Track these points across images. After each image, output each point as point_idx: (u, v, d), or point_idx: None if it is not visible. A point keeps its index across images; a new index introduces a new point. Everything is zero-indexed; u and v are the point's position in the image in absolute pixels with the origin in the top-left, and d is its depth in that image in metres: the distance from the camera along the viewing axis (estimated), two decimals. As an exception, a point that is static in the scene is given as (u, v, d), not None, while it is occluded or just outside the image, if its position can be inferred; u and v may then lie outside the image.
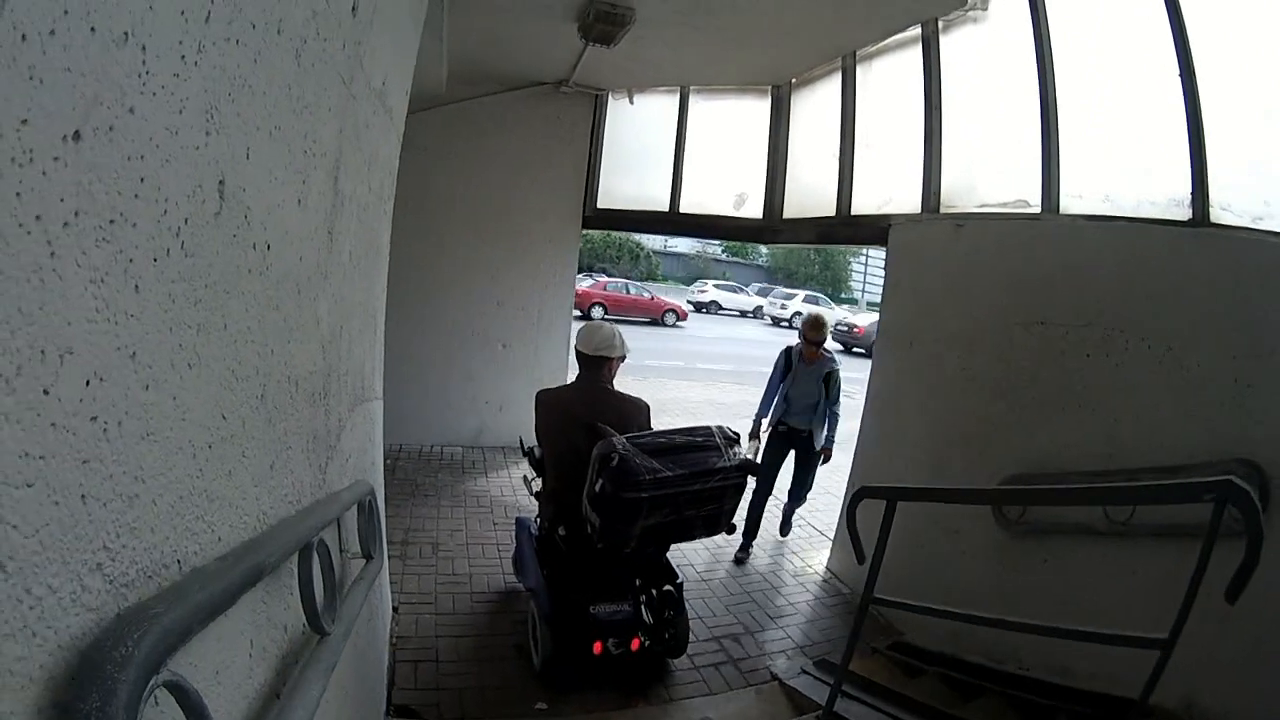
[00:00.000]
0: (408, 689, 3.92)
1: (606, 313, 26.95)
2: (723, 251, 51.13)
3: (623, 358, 4.27)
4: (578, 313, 27.10)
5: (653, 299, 29.38)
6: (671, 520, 3.77)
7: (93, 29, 0.69)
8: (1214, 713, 3.21)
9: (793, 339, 6.42)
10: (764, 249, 45.32)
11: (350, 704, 2.33)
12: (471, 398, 8.32)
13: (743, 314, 37.09)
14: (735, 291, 38.72)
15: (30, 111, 0.62)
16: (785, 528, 6.65)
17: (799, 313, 33.41)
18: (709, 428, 4.00)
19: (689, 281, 42.80)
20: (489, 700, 3.90)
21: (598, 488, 3.61)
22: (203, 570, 0.98)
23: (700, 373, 17.62)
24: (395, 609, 4.56)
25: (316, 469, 1.79)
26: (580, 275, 33.60)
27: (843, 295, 48.87)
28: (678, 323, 29.03)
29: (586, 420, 4.00)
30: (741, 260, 52.28)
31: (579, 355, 4.22)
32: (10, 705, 0.63)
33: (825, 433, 6.12)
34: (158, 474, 0.88)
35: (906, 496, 3.55)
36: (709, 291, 37.94)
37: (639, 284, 32.42)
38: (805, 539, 6.83)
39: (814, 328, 5.98)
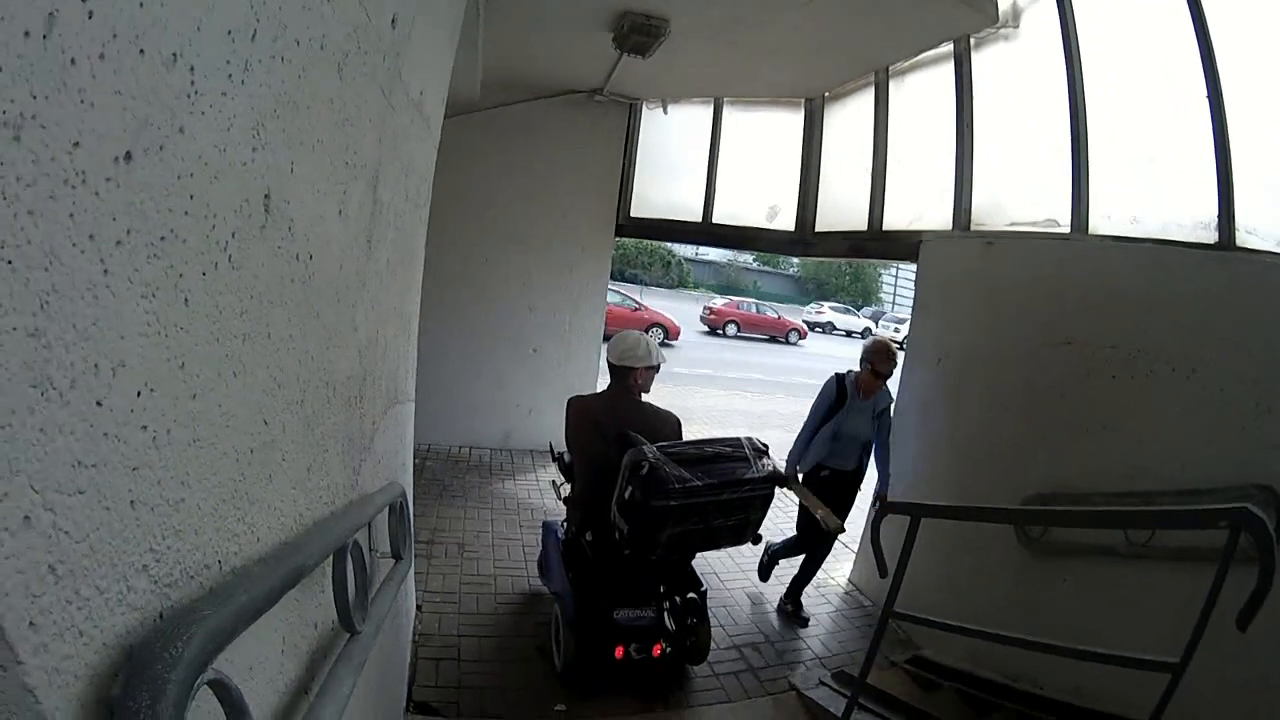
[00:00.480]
0: (428, 686, 3.95)
1: (740, 329, 30.36)
2: (754, 261, 51.05)
3: (655, 367, 4.21)
4: (709, 328, 29.48)
5: (779, 319, 32.08)
6: (699, 529, 3.75)
7: (142, 51, 0.71)
8: None
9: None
10: (795, 260, 45.43)
11: (373, 699, 2.36)
12: (501, 401, 8.35)
13: (849, 334, 38.28)
14: (846, 313, 40.89)
15: (81, 134, 0.64)
16: (765, 572, 5.79)
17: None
18: (739, 439, 4.00)
19: (722, 290, 42.80)
20: (509, 700, 3.91)
21: (627, 495, 3.63)
22: (246, 572, 1.01)
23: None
24: (419, 607, 4.58)
25: (351, 471, 1.82)
26: (717, 296, 34.60)
27: (872, 304, 48.64)
28: (799, 341, 31.74)
29: (614, 429, 3.97)
30: (772, 270, 52.17)
31: (609, 364, 4.21)
32: (57, 701, 0.65)
33: (883, 470, 5.22)
34: (203, 479, 0.90)
35: (930, 513, 3.53)
36: (825, 313, 39.91)
37: (766, 303, 34.36)
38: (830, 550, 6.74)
39: (885, 357, 4.99)
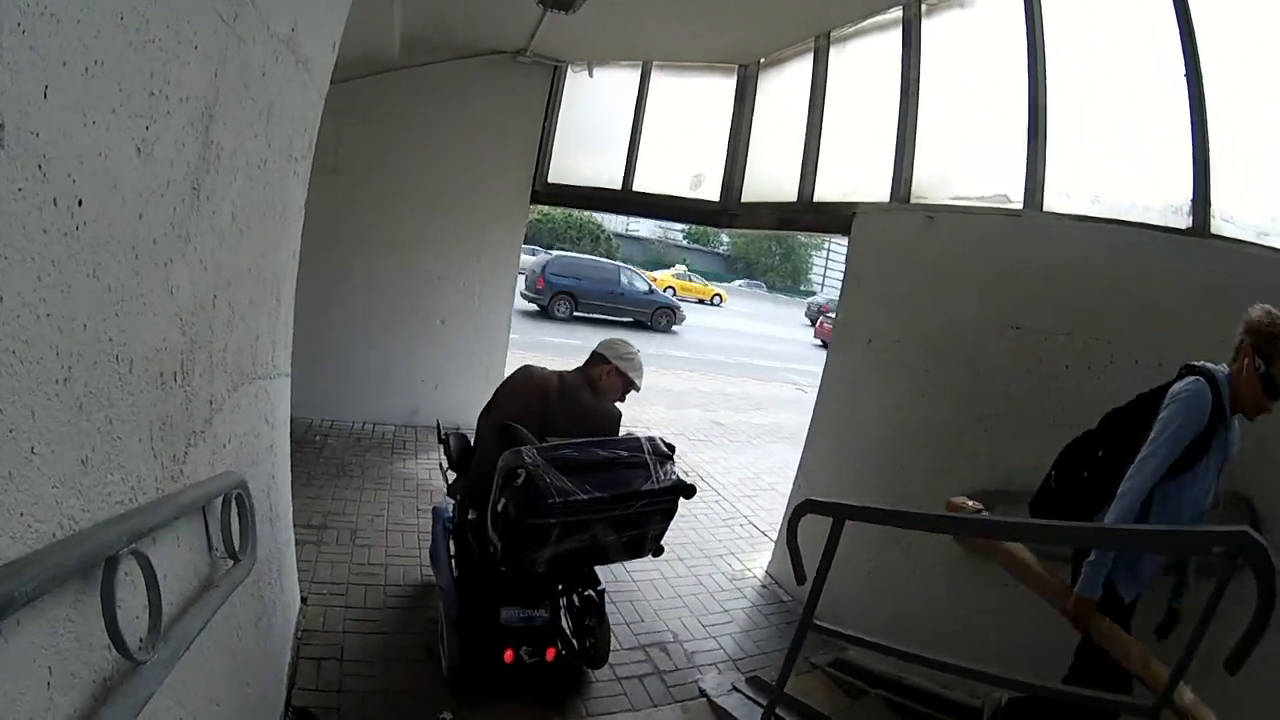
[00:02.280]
0: (309, 689, 3.74)
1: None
2: (684, 237, 51.51)
3: (628, 382, 4.10)
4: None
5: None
6: (586, 546, 3.53)
7: None
8: None
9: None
10: (725, 237, 45.96)
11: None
12: (408, 375, 8.21)
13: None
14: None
15: None
16: None
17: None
18: (638, 440, 3.73)
19: (651, 266, 43.06)
20: (393, 705, 3.73)
21: (500, 507, 3.33)
22: None
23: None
24: (304, 599, 4.39)
25: (167, 461, 1.63)
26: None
27: (802, 287, 49.30)
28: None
29: (538, 403, 3.84)
30: (702, 247, 52.61)
31: (595, 351, 4.18)
32: None
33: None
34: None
35: (858, 516, 3.39)
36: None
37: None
38: (746, 539, 6.75)
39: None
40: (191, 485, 1.76)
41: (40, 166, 0.98)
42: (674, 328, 25.38)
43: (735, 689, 4.27)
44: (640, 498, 3.49)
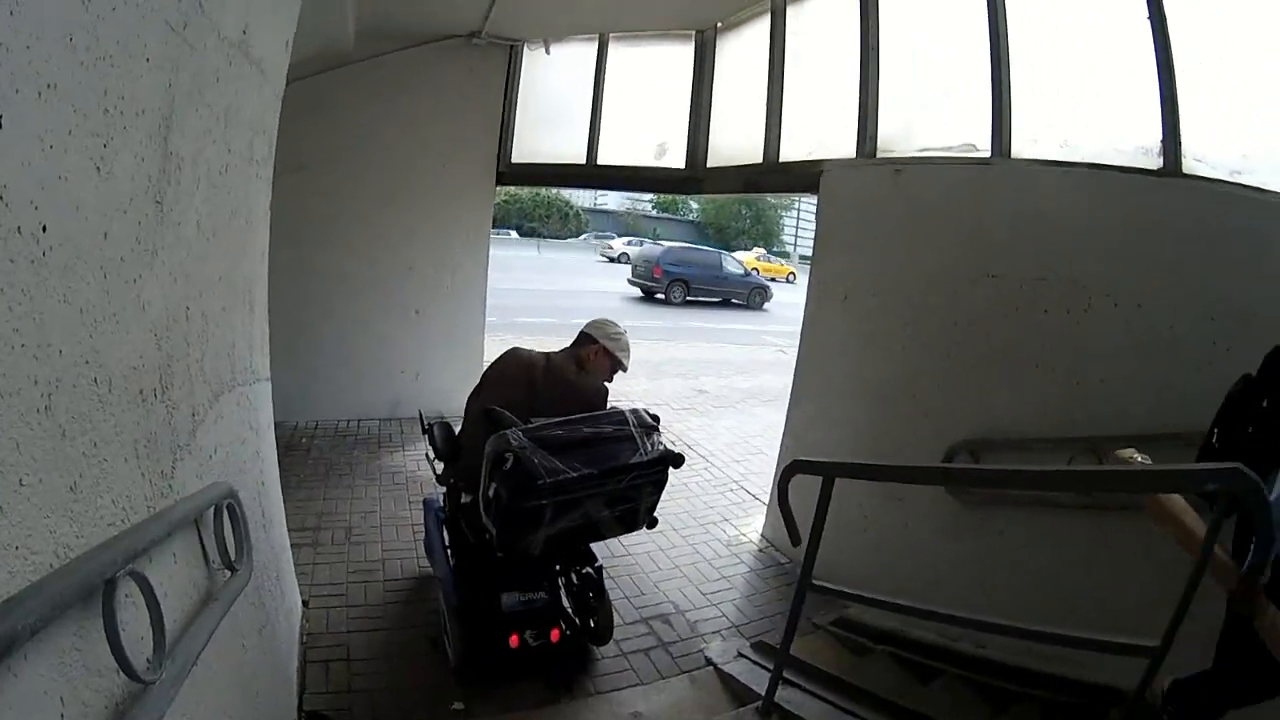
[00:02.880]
0: (319, 693, 3.77)
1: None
2: (653, 208, 51.42)
3: (615, 363, 4.16)
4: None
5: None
6: (580, 524, 3.54)
7: None
8: None
9: None
10: (694, 204, 45.96)
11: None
12: (387, 369, 8.20)
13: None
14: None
15: None
16: None
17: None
18: (622, 413, 3.71)
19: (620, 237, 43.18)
20: (402, 701, 3.75)
21: (491, 492, 3.33)
22: None
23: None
24: (305, 603, 4.39)
25: (156, 477, 1.62)
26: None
27: (775, 249, 49.25)
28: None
29: (525, 384, 3.87)
30: (672, 216, 52.51)
31: (582, 331, 4.22)
32: None
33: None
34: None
35: (847, 473, 3.42)
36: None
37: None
38: (738, 504, 6.80)
39: None
40: (181, 500, 1.75)
41: (1, 197, 0.97)
42: (765, 305, 27.52)
43: (741, 655, 4.31)
44: (629, 471, 3.48)
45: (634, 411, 3.75)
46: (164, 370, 1.70)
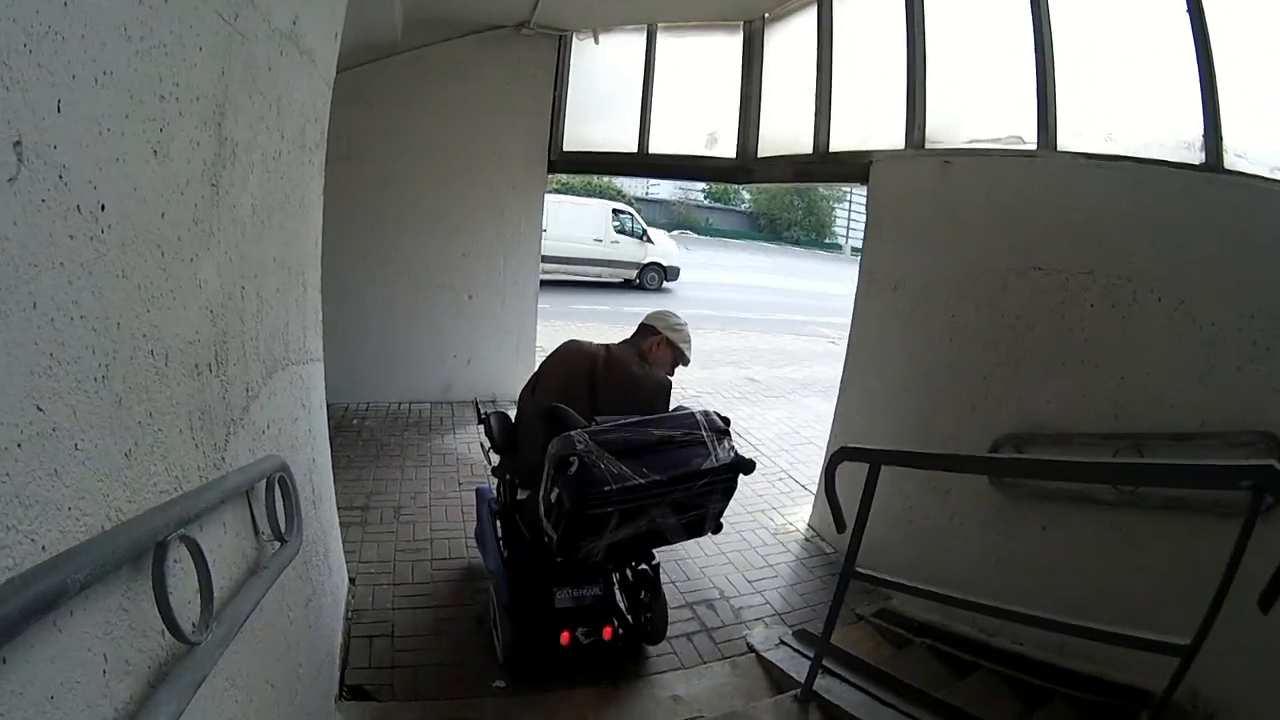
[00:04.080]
0: (361, 668, 3.86)
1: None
2: (705, 197, 51.10)
3: (679, 355, 4.02)
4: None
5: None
6: (645, 531, 3.35)
7: None
8: (1218, 704, 3.15)
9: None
10: (746, 195, 45.50)
11: (272, 704, 2.24)
12: (439, 352, 8.32)
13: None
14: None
15: None
16: None
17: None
18: (693, 416, 3.46)
19: (671, 228, 43.05)
20: (445, 679, 3.83)
21: (553, 497, 3.13)
22: None
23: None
24: (352, 580, 4.50)
25: (209, 450, 1.69)
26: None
27: (827, 240, 48.62)
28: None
29: (585, 375, 3.73)
30: (724, 206, 52.13)
31: (643, 323, 4.10)
32: None
33: None
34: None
35: (892, 460, 3.44)
36: None
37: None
38: (786, 493, 6.80)
39: None
40: (234, 471, 1.82)
41: (61, 176, 1.02)
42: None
43: (783, 642, 4.33)
44: (700, 477, 3.26)
45: (705, 414, 3.50)
46: (219, 346, 1.76)
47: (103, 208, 1.14)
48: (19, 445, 0.95)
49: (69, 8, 1.02)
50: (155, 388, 1.38)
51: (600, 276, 21.65)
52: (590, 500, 3.02)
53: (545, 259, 8.87)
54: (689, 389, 9.28)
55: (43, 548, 0.99)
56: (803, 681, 3.57)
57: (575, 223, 20.86)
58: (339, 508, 4.09)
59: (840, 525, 3.41)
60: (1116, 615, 2.81)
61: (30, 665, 0.96)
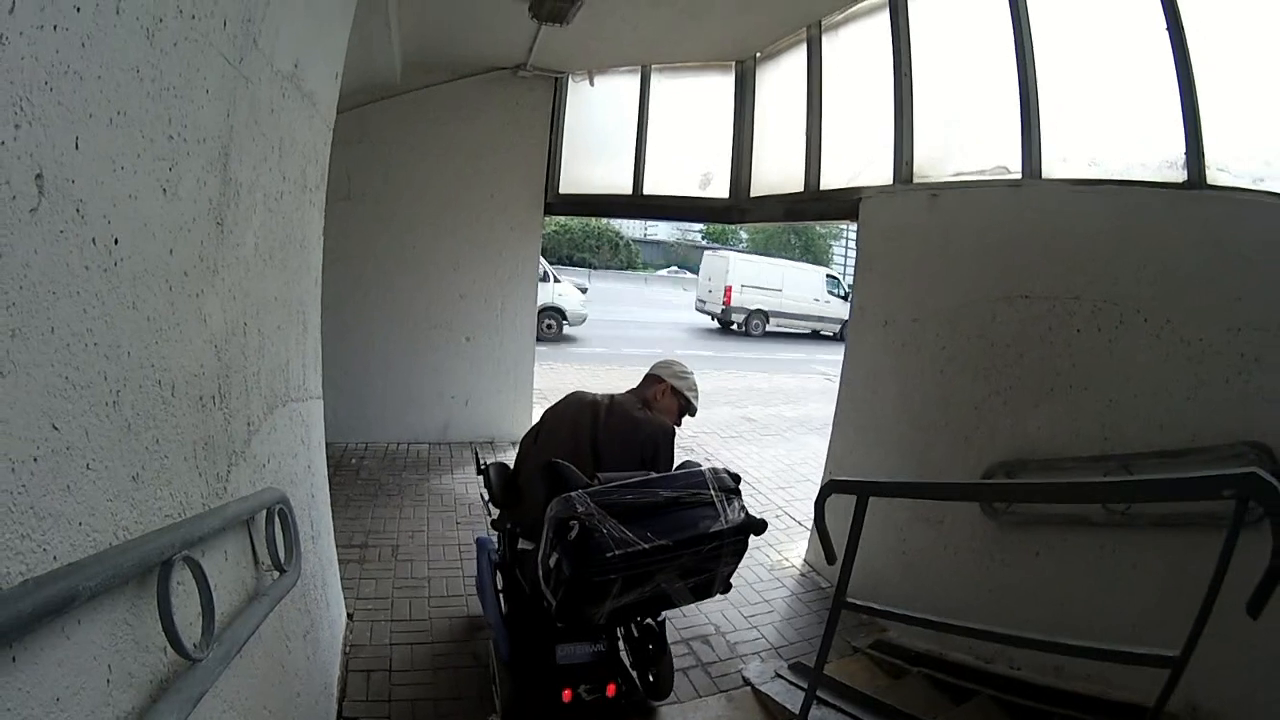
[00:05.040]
0: (359, 700, 3.88)
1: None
2: (703, 237, 51.46)
3: (685, 404, 3.97)
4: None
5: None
6: (651, 596, 3.16)
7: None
8: (1219, 717, 3.14)
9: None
10: (744, 234, 45.93)
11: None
12: (437, 393, 8.38)
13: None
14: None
15: None
16: None
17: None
18: (702, 474, 3.26)
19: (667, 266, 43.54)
20: (441, 712, 3.86)
21: (552, 563, 2.92)
22: None
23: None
24: (350, 616, 4.54)
25: (211, 479, 1.75)
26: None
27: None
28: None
29: (588, 423, 3.64)
30: (722, 245, 52.61)
31: (650, 372, 4.06)
32: None
33: None
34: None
35: (880, 491, 3.45)
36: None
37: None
38: (783, 530, 6.82)
39: None
40: (235, 500, 1.88)
41: (78, 210, 1.10)
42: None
43: (779, 675, 4.34)
44: (708, 540, 3.04)
45: (714, 471, 3.30)
46: (222, 380, 1.83)
47: (116, 241, 1.22)
48: (35, 459, 1.01)
49: (86, 49, 1.10)
50: (162, 416, 1.45)
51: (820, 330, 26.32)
52: (591, 567, 2.81)
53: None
54: (686, 429, 9.32)
55: (54, 558, 1.05)
56: (797, 713, 3.58)
57: (798, 285, 26.14)
58: (337, 545, 4.14)
59: (830, 557, 3.44)
60: (1113, 635, 2.85)
61: (39, 667, 1.02)
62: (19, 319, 0.96)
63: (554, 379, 10.42)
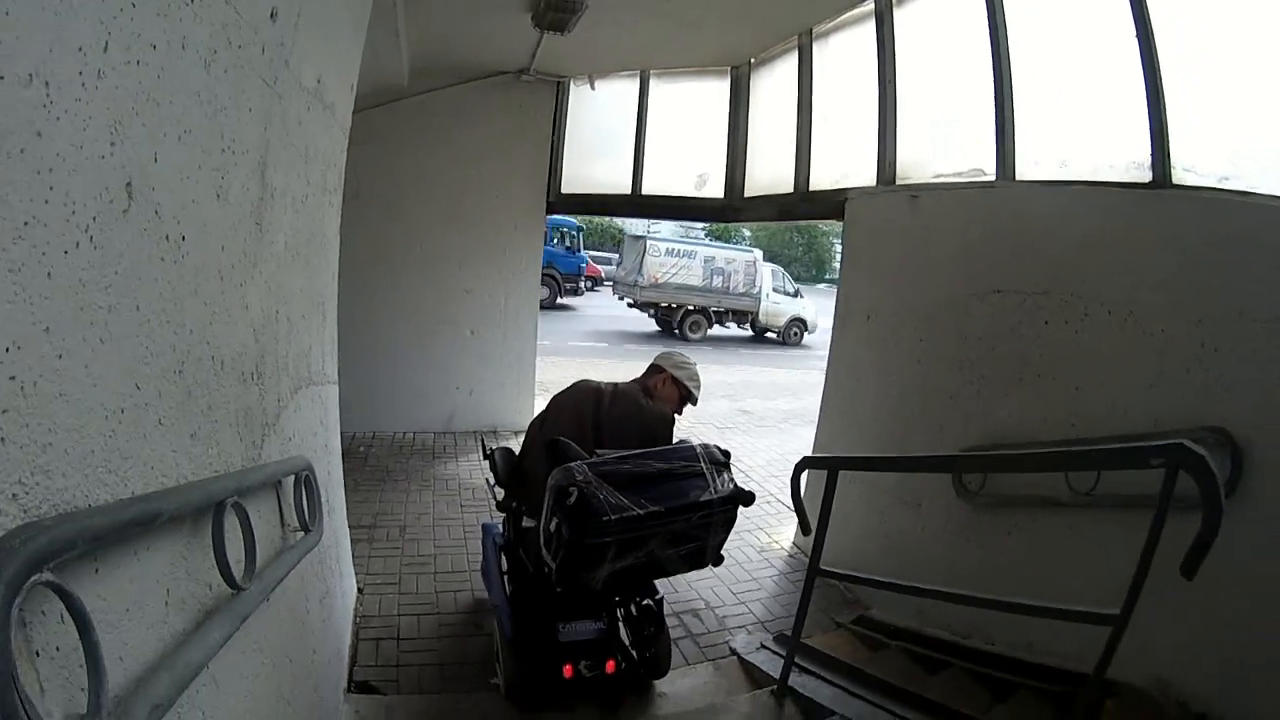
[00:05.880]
0: (369, 666, 4.13)
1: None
2: (706, 236, 51.33)
3: (685, 394, 4.13)
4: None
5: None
6: (644, 562, 3.32)
7: (1, 76, 0.88)
8: (1188, 691, 3.22)
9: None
10: (746, 231, 45.78)
11: (290, 678, 2.49)
12: (443, 384, 8.62)
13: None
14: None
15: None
16: None
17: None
18: (693, 448, 3.45)
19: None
20: (446, 676, 4.10)
21: (553, 527, 3.10)
22: (100, 506, 1.15)
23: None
24: (360, 589, 4.78)
25: (249, 445, 2.00)
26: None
27: (826, 275, 48.93)
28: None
29: (590, 409, 3.79)
30: (725, 244, 52.45)
31: (653, 363, 4.21)
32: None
33: None
34: (70, 429, 1.07)
35: (848, 465, 3.70)
36: None
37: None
38: (773, 514, 7.06)
39: None
40: (271, 463, 2.13)
41: (156, 212, 1.34)
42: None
43: (763, 646, 4.57)
44: (699, 509, 3.21)
45: (704, 446, 3.50)
46: (259, 360, 2.09)
47: (183, 238, 1.46)
48: (122, 411, 1.25)
49: (161, 79, 1.33)
50: (214, 386, 1.70)
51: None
52: (589, 530, 2.98)
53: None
54: (683, 420, 9.52)
55: (132, 491, 1.28)
56: (778, 678, 3.80)
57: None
58: (348, 525, 4.38)
59: (805, 528, 3.70)
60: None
61: (115, 581, 1.22)
62: (115, 298, 1.20)
63: (555, 373, 10.60)
